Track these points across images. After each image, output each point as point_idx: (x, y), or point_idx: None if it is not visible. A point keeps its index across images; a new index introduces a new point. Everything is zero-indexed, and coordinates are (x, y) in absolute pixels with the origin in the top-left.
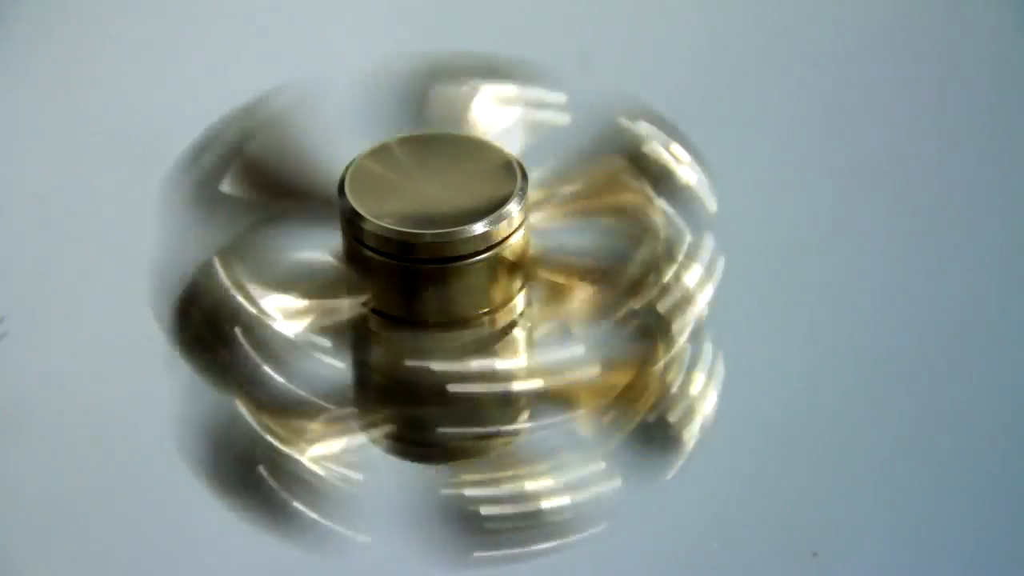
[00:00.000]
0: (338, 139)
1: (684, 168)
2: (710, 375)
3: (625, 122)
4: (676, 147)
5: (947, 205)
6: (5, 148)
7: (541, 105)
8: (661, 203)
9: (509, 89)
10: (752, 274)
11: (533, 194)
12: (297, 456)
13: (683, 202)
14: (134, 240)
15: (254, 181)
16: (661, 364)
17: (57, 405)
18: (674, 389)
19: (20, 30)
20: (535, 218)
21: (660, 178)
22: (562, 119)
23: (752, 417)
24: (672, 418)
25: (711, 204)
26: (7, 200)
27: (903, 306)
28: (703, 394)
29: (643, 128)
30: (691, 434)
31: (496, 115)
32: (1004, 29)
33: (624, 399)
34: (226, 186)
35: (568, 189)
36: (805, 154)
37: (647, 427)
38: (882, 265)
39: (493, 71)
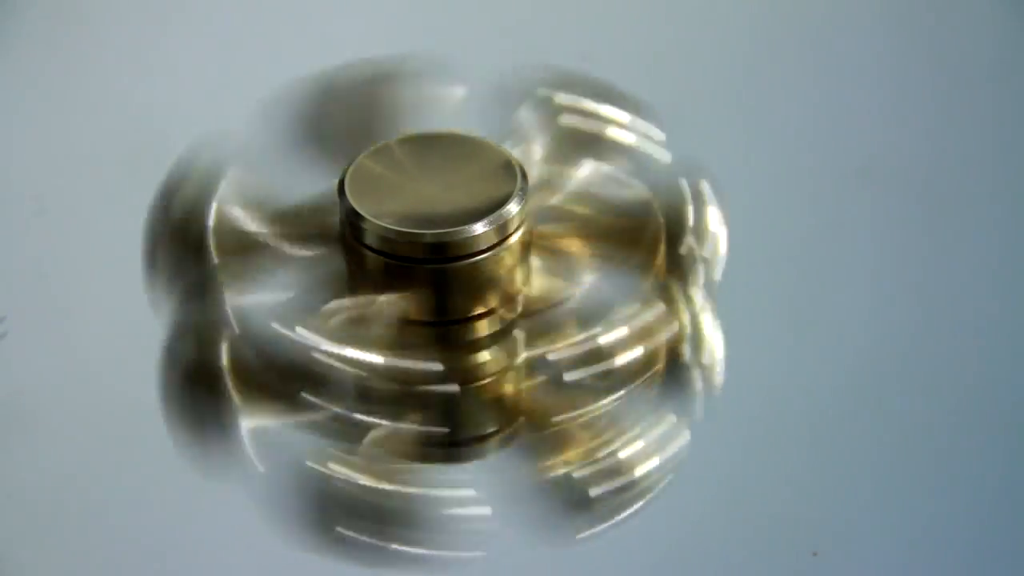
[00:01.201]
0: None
1: (716, 236)
2: (709, 375)
3: (682, 180)
4: (712, 213)
5: (948, 209)
6: (5, 148)
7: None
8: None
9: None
10: (756, 264)
11: (551, 206)
12: (305, 460)
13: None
14: (134, 240)
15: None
16: (638, 383)
17: (57, 405)
18: (667, 399)
19: (20, 30)
20: (545, 230)
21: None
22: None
23: (752, 417)
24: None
25: (664, 157)
26: (7, 200)
27: (903, 307)
28: (699, 400)
29: (695, 188)
30: (681, 444)
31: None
32: (1004, 29)
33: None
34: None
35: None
36: (806, 145)
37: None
38: (881, 270)
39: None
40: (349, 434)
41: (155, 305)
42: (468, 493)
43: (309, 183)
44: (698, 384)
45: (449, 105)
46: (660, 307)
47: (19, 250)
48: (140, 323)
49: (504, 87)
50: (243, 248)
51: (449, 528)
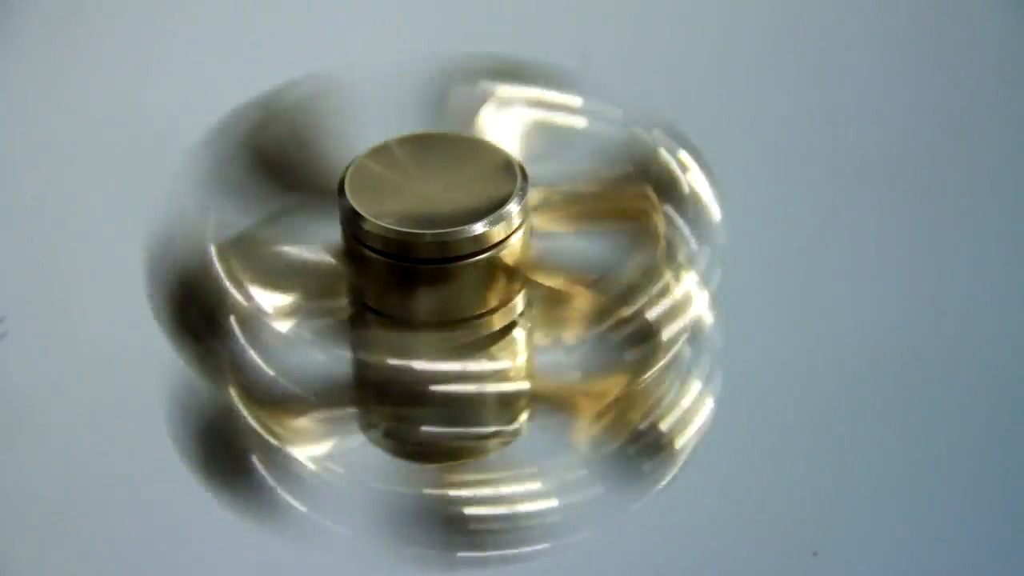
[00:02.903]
0: (354, 135)
1: (691, 176)
2: (709, 376)
3: (637, 130)
4: (684, 155)
5: (948, 210)
6: (5, 148)
7: (555, 108)
8: (667, 211)
9: (524, 91)
10: (752, 274)
11: (537, 195)
12: (295, 455)
13: (689, 211)
14: (133, 240)
15: (264, 171)
16: (655, 371)
17: (57, 405)
18: (669, 396)
19: (20, 30)
20: (537, 220)
21: (667, 186)
22: (575, 123)
23: (752, 417)
24: (664, 426)
25: (715, 212)
26: (7, 200)
27: (902, 310)
28: (699, 399)
29: (655, 136)
30: (683, 443)
31: (510, 117)
32: (1004, 29)
33: (617, 406)
34: (240, 174)
35: (574, 194)
36: (806, 157)
37: (639, 435)
38: (881, 270)
39: (510, 73)
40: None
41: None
42: (451, 493)
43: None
44: (692, 400)
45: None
46: (640, 323)
47: (19, 250)
48: (140, 323)
49: (439, 79)
50: (246, 254)
51: (405, 525)
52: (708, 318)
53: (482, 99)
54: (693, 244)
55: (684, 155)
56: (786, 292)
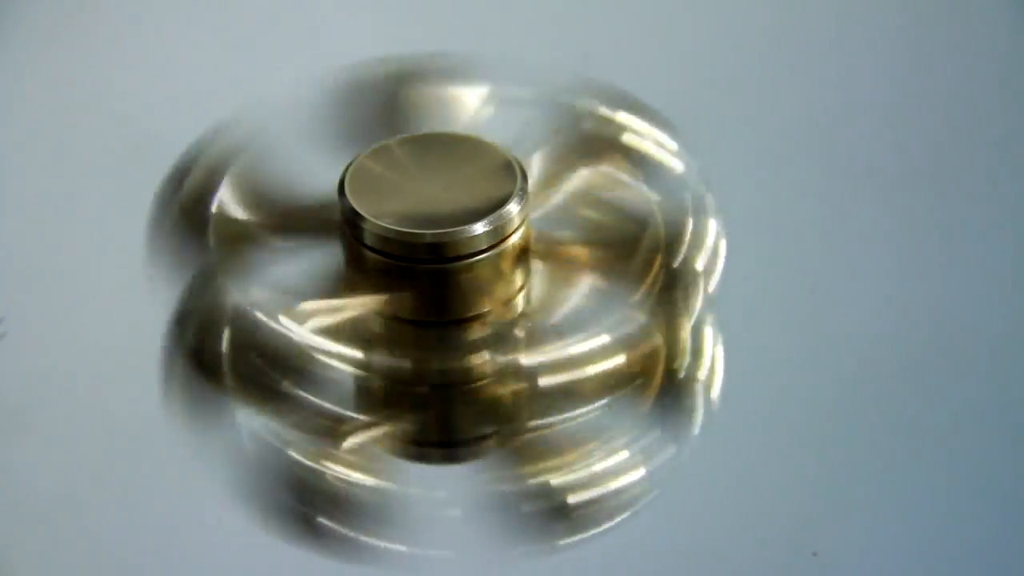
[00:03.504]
0: (325, 146)
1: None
2: (709, 376)
3: (602, 110)
4: (647, 126)
5: (949, 210)
6: (5, 148)
7: (514, 101)
8: (648, 189)
9: (480, 88)
10: (756, 267)
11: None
12: (295, 455)
13: (667, 182)
14: (133, 240)
15: (246, 197)
16: (667, 351)
17: (57, 405)
18: (675, 385)
19: (20, 30)
20: (532, 213)
21: (642, 163)
22: (534, 112)
23: (753, 417)
24: (678, 402)
25: (678, 167)
26: (7, 200)
27: (905, 306)
28: (704, 390)
29: (619, 116)
30: (697, 419)
31: (473, 114)
32: (1004, 29)
33: (632, 388)
34: (214, 207)
35: (559, 185)
36: (806, 149)
37: (656, 413)
38: (882, 270)
39: (461, 71)
40: (338, 430)
41: (155, 292)
42: (447, 493)
43: (322, 176)
44: (692, 400)
45: (469, 107)
46: (642, 321)
47: (19, 250)
48: (140, 323)
49: (533, 93)
50: (242, 242)
51: (423, 527)
52: (711, 311)
53: (441, 99)
54: (691, 222)
55: (711, 225)
56: (786, 292)
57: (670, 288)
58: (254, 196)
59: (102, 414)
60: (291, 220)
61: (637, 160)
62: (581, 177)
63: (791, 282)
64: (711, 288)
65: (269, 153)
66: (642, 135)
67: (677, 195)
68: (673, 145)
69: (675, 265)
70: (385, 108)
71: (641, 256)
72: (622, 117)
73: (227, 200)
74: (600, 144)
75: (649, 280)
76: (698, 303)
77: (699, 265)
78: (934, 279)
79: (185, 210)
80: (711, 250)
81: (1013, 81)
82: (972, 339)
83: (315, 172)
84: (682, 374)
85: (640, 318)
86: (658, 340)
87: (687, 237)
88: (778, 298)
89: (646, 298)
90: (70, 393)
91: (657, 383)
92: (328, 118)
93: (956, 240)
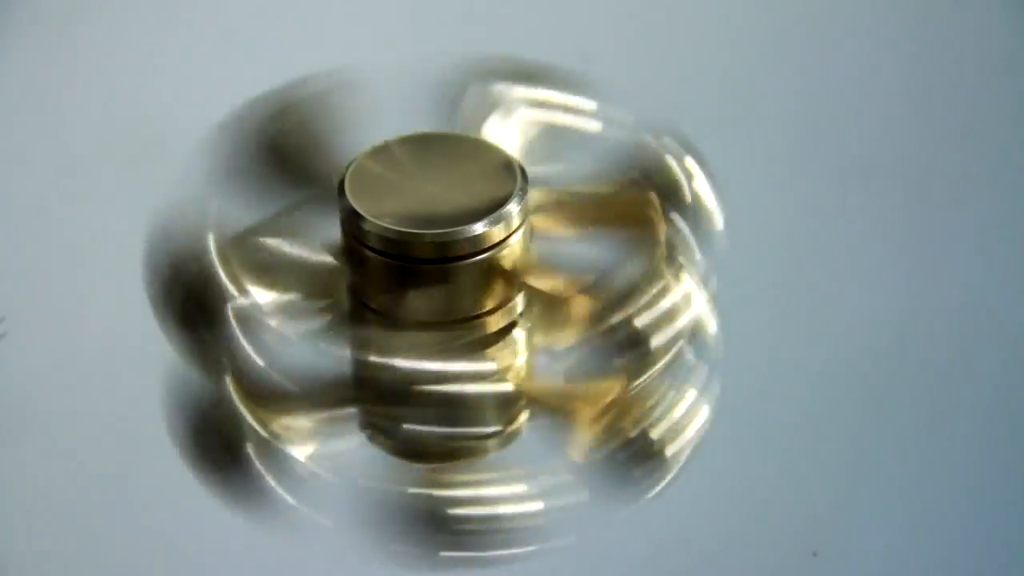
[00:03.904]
0: (363, 133)
1: (695, 184)
2: (708, 376)
3: (644, 134)
4: (690, 161)
5: (949, 212)
6: (5, 148)
7: (563, 110)
8: (669, 216)
9: (533, 93)
10: (753, 272)
11: (539, 196)
12: (292, 453)
13: (691, 218)
14: (133, 240)
15: (271, 165)
16: (650, 375)
17: (57, 405)
18: (665, 402)
19: (20, 30)
20: (538, 222)
21: (670, 192)
22: (582, 126)
23: (752, 417)
24: (657, 433)
25: (718, 221)
26: (7, 200)
27: (902, 311)
28: (696, 403)
29: (661, 142)
30: (675, 450)
31: (518, 119)
32: (1004, 29)
33: (612, 411)
34: (247, 166)
35: (576, 196)
36: (806, 148)
37: (632, 440)
38: (881, 272)
39: (519, 74)
40: (336, 430)
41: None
42: (446, 493)
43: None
44: (689, 406)
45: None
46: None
47: (19, 250)
48: (140, 323)
49: (449, 81)
50: (244, 252)
51: (421, 526)
52: (707, 320)
53: (493, 101)
54: (694, 250)
55: (689, 161)
56: (785, 293)
57: (654, 313)
58: (285, 164)
59: (102, 414)
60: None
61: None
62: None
63: (790, 281)
64: (707, 297)
65: (312, 126)
66: (592, 115)
67: (652, 159)
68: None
69: (660, 292)
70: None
71: (641, 222)
72: (564, 98)
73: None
74: (561, 133)
75: (635, 305)
76: (694, 315)
77: (685, 290)
78: (935, 281)
79: (229, 159)
80: (702, 276)
81: (1013, 81)
82: (972, 340)
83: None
84: (679, 378)
85: (633, 324)
86: (650, 348)
87: (679, 266)
88: (780, 293)
89: (642, 302)
90: (70, 393)
91: (656, 384)
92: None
93: (957, 243)
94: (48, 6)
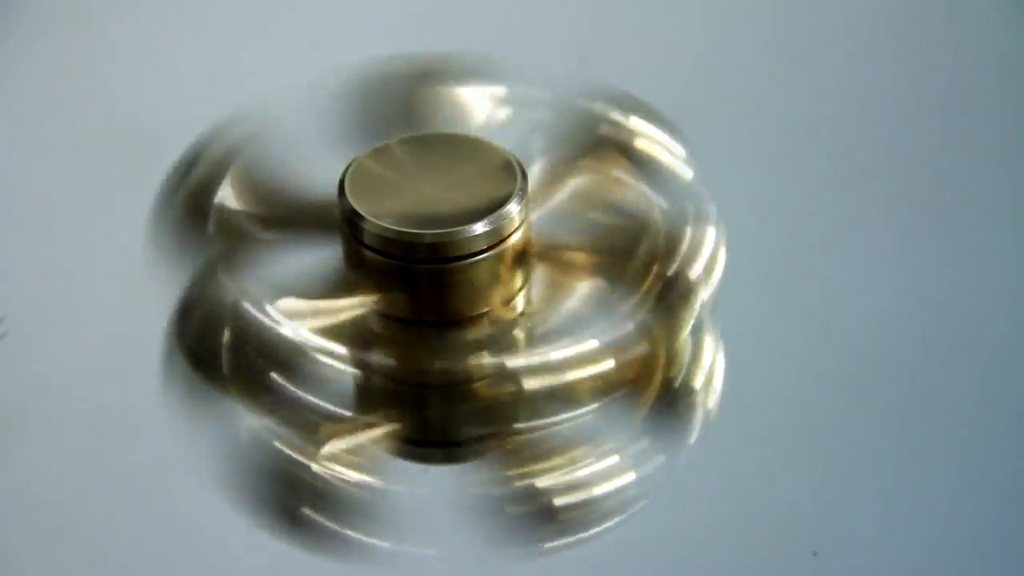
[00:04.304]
0: (327, 145)
1: (668, 153)
2: (710, 374)
3: (613, 114)
4: (657, 131)
5: (949, 211)
6: (5, 148)
7: (527, 103)
8: (653, 195)
9: (494, 88)
10: (753, 271)
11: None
12: (303, 460)
13: (673, 188)
14: (134, 240)
15: (248, 193)
16: (664, 358)
17: (57, 405)
18: (676, 384)
19: (20, 30)
20: (533, 214)
21: (649, 168)
22: (548, 115)
23: (752, 416)
24: (655, 434)
25: (686, 173)
26: (7, 200)
27: (902, 310)
28: (704, 390)
29: (631, 121)
30: (697, 418)
31: (483, 114)
32: (1004, 29)
33: (628, 393)
34: (218, 199)
35: (563, 186)
36: (806, 149)
37: (655, 413)
38: (882, 270)
39: (475, 71)
40: (335, 429)
41: (155, 288)
42: (445, 493)
43: (324, 175)
44: (687, 408)
45: (472, 108)
46: (639, 326)
47: (19, 250)
48: (140, 323)
49: (540, 95)
50: (243, 237)
51: (420, 526)
52: (711, 310)
53: (453, 99)
54: (690, 229)
55: (635, 118)
56: (786, 292)
57: (667, 295)
58: (256, 191)
59: (102, 414)
60: (292, 216)
61: (643, 165)
62: (584, 179)
63: (791, 281)
64: (707, 297)
65: (273, 149)
66: (650, 139)
67: (680, 202)
68: (681, 152)
69: (671, 272)
70: (388, 108)
71: (639, 261)
72: (630, 120)
73: (229, 194)
74: (606, 147)
75: (646, 286)
76: (695, 310)
77: (694, 274)
78: (935, 287)
79: (189, 201)
80: (709, 259)
81: (1013, 82)
82: (972, 343)
83: (319, 170)
84: (682, 375)
85: (636, 323)
86: (654, 346)
87: (685, 245)
88: (779, 295)
89: (643, 304)
90: (70, 393)
91: (655, 386)
92: (332, 116)
93: (958, 249)
94: (48, 6)
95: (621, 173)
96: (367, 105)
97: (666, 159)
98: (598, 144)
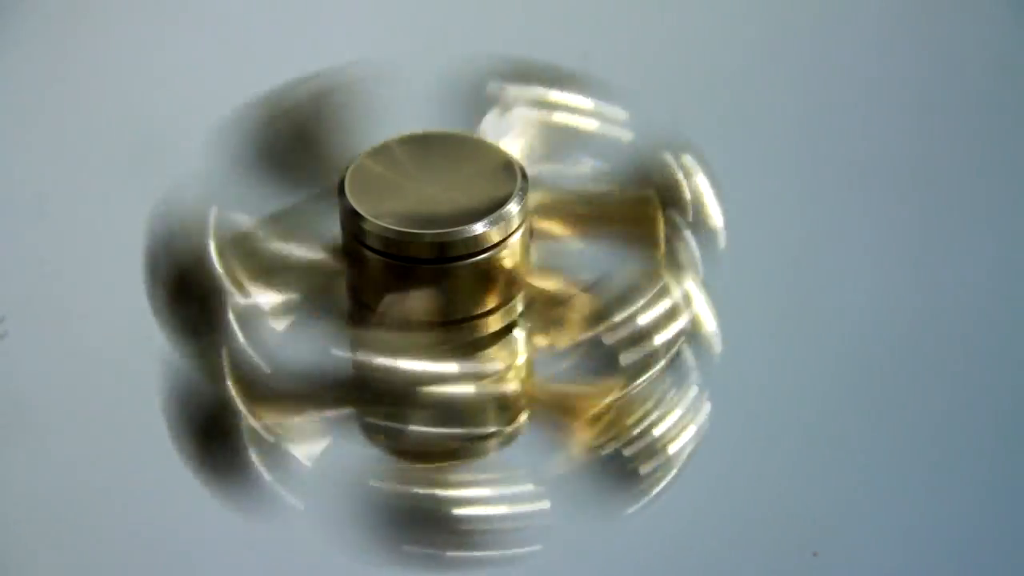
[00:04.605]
0: (363, 132)
1: (694, 182)
2: (708, 376)
3: (648, 138)
4: (688, 159)
5: (949, 212)
6: (5, 148)
7: (563, 109)
8: (669, 215)
9: (531, 91)
10: (753, 271)
11: (539, 196)
12: (293, 453)
13: (690, 216)
14: (133, 240)
15: (270, 166)
16: (651, 375)
17: (57, 405)
18: (665, 401)
19: (20, 30)
20: (538, 222)
21: (669, 191)
22: (581, 124)
23: (752, 417)
24: (659, 432)
25: (717, 219)
26: (7, 200)
27: (905, 306)
28: (696, 402)
29: (664, 143)
30: (677, 449)
31: (517, 118)
32: (1004, 29)
33: (612, 411)
34: (246, 167)
35: (576, 196)
36: (806, 150)
37: (634, 439)
38: (881, 272)
39: (518, 73)
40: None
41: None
42: (445, 493)
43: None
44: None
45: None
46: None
47: (19, 250)
48: (140, 323)
49: (457, 82)
50: (244, 252)
51: (418, 526)
52: (707, 320)
53: (492, 99)
54: (694, 248)
55: (688, 160)
56: (785, 292)
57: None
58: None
59: (102, 414)
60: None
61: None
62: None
63: (790, 281)
64: (704, 305)
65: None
66: (589, 113)
67: (651, 161)
68: (622, 114)
69: (679, 264)
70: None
71: (641, 224)
72: (563, 97)
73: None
74: (560, 133)
75: (655, 250)
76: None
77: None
78: (934, 288)
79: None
80: (709, 205)
81: (1012, 82)
82: (972, 342)
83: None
84: (679, 378)
85: (633, 324)
86: (651, 347)
87: (684, 195)
88: (779, 293)
89: (642, 302)
90: (70, 393)
91: (652, 387)
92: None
93: (958, 250)
94: (48, 6)
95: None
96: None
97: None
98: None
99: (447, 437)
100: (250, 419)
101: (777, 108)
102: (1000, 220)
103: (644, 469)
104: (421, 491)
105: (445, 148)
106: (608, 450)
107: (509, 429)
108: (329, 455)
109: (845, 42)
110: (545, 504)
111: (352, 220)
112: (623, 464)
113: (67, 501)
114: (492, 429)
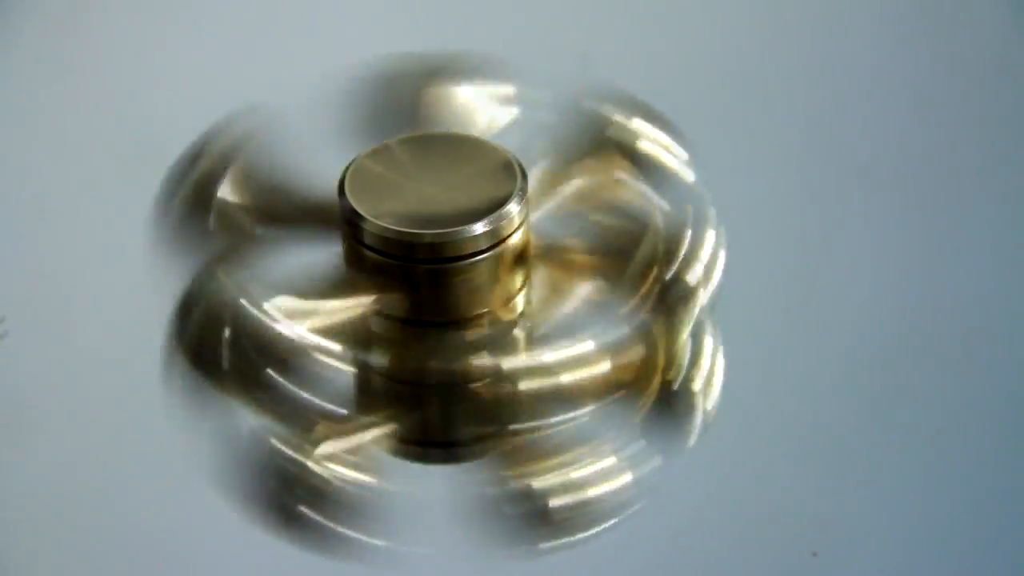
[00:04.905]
0: (332, 143)
1: (670, 156)
2: (710, 374)
3: (617, 117)
4: (660, 134)
5: (948, 211)
6: (5, 148)
7: (532, 103)
8: (655, 197)
9: (499, 88)
10: (754, 271)
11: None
12: (302, 459)
13: (674, 191)
14: (134, 240)
15: (249, 190)
16: (663, 360)
17: (57, 405)
18: (675, 386)
19: (20, 30)
20: (534, 215)
21: (651, 170)
22: (552, 117)
23: (752, 416)
24: (656, 434)
25: (688, 176)
26: (7, 200)
27: (901, 310)
28: (704, 390)
29: (634, 123)
30: (696, 419)
31: (488, 114)
32: (1004, 29)
33: (627, 395)
34: (220, 194)
35: (565, 187)
36: (806, 150)
37: (654, 414)
38: (881, 270)
39: (482, 70)
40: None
41: (156, 289)
42: (445, 492)
43: (326, 174)
44: (685, 411)
45: (475, 108)
46: (638, 328)
47: (19, 250)
48: (140, 323)
49: (557, 100)
50: (244, 234)
51: (418, 527)
52: (711, 309)
53: (459, 98)
54: (690, 232)
55: (638, 120)
56: (785, 292)
57: (666, 297)
58: (257, 188)
59: (102, 414)
60: (293, 213)
61: (644, 167)
62: (585, 180)
63: (790, 281)
64: (706, 300)
65: (276, 147)
66: (651, 141)
67: (681, 204)
68: (683, 154)
69: (671, 275)
70: (391, 107)
71: (640, 263)
72: (632, 122)
73: (231, 190)
74: (608, 148)
75: (646, 288)
76: (694, 313)
77: (694, 277)
78: (934, 288)
79: (191, 196)
80: (709, 262)
81: (1012, 82)
82: (972, 344)
83: (321, 167)
84: (681, 377)
85: (635, 326)
86: (653, 348)
87: (685, 248)
88: (778, 297)
89: (642, 306)
90: (70, 393)
91: (653, 388)
92: (337, 114)
93: (957, 250)
94: (48, 6)
95: (623, 175)
96: (373, 103)
97: (667, 161)
98: (600, 146)
99: (446, 437)
100: (250, 419)
101: (777, 108)
102: (1001, 219)
103: (643, 470)
104: (415, 491)
105: (445, 148)
106: (608, 451)
107: (514, 426)
108: (330, 455)
109: (845, 42)
110: (548, 502)
111: (352, 220)
112: (622, 465)
113: (67, 501)
114: (493, 428)
